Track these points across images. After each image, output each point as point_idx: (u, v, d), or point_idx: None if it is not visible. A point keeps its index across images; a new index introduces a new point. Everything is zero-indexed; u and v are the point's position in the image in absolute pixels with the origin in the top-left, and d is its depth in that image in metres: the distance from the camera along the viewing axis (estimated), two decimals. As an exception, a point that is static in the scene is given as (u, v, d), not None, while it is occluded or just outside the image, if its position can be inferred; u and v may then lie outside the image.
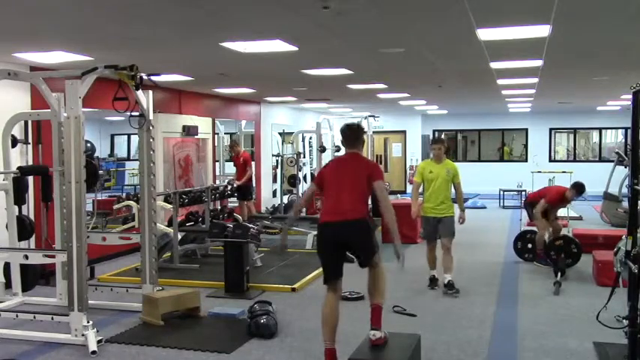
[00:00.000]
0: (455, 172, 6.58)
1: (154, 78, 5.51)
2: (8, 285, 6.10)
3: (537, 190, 8.27)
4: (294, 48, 6.16)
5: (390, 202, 4.36)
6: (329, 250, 4.21)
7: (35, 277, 6.18)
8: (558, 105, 15.54)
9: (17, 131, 6.60)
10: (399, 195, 15.51)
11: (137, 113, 5.66)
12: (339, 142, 14.94)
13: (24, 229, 6.00)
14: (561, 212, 12.42)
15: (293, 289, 6.62)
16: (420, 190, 6.81)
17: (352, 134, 4.48)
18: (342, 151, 4.65)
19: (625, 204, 10.47)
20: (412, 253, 9.03)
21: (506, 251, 8.61)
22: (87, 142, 9.52)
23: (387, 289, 4.32)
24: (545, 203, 7.60)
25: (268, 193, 13.90)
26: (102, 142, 14.69)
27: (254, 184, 11.94)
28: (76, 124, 4.81)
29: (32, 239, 6.54)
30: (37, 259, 5.48)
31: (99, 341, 4.78)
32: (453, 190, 6.68)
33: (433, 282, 6.69)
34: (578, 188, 7.60)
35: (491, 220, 12.65)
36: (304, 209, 4.80)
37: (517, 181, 14.48)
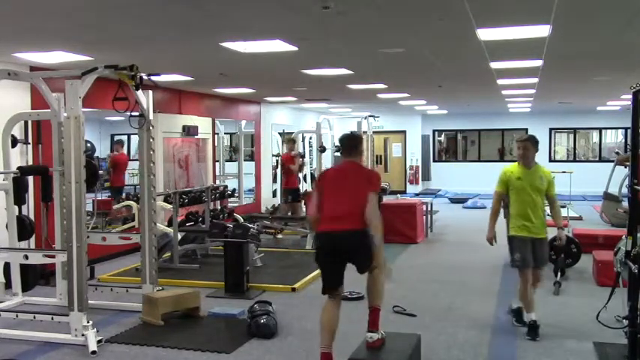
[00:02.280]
0: (550, 181, 5.10)
1: (154, 78, 5.51)
2: (8, 285, 6.09)
3: None
4: (294, 48, 6.16)
5: (378, 215, 4.16)
6: (328, 259, 4.16)
7: (35, 277, 6.17)
8: (558, 105, 15.54)
9: (17, 131, 6.61)
10: (398, 195, 15.50)
11: (137, 113, 5.66)
12: (338, 142, 14.92)
13: (24, 229, 5.99)
14: (562, 212, 12.47)
15: (293, 289, 6.62)
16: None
17: (351, 143, 4.43)
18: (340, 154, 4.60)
19: (625, 204, 10.47)
20: (412, 253, 9.05)
21: (507, 251, 8.58)
22: (87, 142, 9.54)
23: (385, 291, 4.29)
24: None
25: (268, 193, 13.90)
26: (102, 142, 14.70)
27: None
28: (76, 124, 4.81)
29: (32, 239, 6.54)
30: (37, 259, 5.48)
31: (99, 341, 4.78)
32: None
33: (534, 329, 4.95)
34: None
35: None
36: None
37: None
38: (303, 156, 11.71)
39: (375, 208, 4.11)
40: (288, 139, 11.90)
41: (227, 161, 14.05)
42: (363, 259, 4.14)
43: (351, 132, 4.62)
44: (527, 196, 5.01)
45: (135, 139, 9.68)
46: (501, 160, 19.72)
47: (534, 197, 5.00)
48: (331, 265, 4.15)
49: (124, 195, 10.54)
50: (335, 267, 4.14)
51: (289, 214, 10.91)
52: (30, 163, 6.99)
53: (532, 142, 5.06)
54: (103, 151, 14.62)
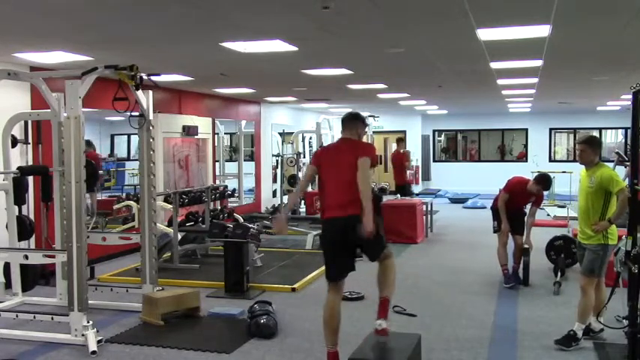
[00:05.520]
0: (600, 181, 4.61)
1: (154, 78, 5.51)
2: (8, 285, 6.10)
3: (498, 193, 7.15)
4: (294, 48, 6.16)
5: (369, 181, 4.10)
6: (334, 246, 4.11)
7: (35, 277, 6.17)
8: (558, 105, 15.54)
9: (17, 131, 6.61)
10: (398, 195, 15.47)
11: (137, 113, 5.66)
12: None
13: (24, 229, 6.00)
14: (562, 212, 12.47)
15: (293, 289, 6.62)
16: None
17: (348, 119, 4.38)
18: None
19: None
20: (411, 253, 9.05)
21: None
22: (90, 141, 9.55)
23: (395, 282, 4.22)
24: (504, 194, 6.76)
25: (268, 193, 13.90)
26: (102, 142, 14.70)
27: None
28: (76, 124, 4.81)
29: (32, 239, 6.54)
30: (37, 259, 5.48)
31: (99, 341, 4.78)
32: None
33: (583, 332, 4.76)
34: (540, 180, 6.61)
35: (491, 220, 12.64)
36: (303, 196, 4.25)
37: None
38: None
39: (364, 174, 4.01)
40: (399, 138, 12.55)
41: (227, 161, 14.05)
42: (374, 243, 4.06)
43: (353, 111, 4.54)
44: (580, 199, 4.87)
45: (135, 139, 9.69)
46: (502, 160, 19.74)
47: (583, 200, 4.77)
48: (336, 253, 4.10)
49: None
50: (340, 255, 4.08)
51: None
52: (30, 163, 6.99)
53: (588, 144, 4.80)
54: (103, 151, 14.61)
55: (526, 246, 6.73)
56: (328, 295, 4.15)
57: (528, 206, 6.88)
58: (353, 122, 4.39)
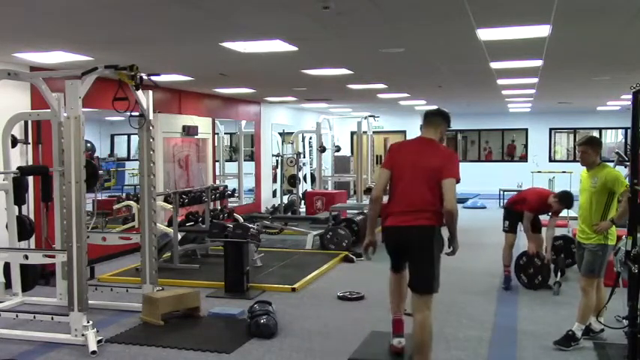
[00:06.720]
0: (604, 182, 4.62)
1: (154, 78, 5.51)
2: (8, 285, 6.10)
3: (517, 194, 7.34)
4: (294, 48, 6.16)
5: (455, 204, 3.81)
6: (394, 251, 4.10)
7: (35, 277, 6.18)
8: (558, 105, 15.54)
9: (17, 131, 6.61)
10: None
11: (137, 113, 5.66)
12: (338, 142, 14.90)
13: (24, 229, 6.00)
14: (562, 212, 12.44)
15: (293, 289, 6.61)
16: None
17: (432, 114, 4.14)
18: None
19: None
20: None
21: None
22: (87, 142, 9.55)
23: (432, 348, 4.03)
24: (528, 213, 6.58)
25: (268, 193, 13.90)
26: (102, 142, 14.72)
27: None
28: (76, 124, 4.81)
29: (32, 239, 6.54)
30: (37, 259, 5.48)
31: (99, 341, 4.78)
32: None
33: (583, 332, 4.77)
34: (562, 199, 6.44)
35: (491, 220, 12.64)
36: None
37: (517, 181, 14.51)
38: None
39: (453, 196, 3.75)
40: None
41: (227, 161, 14.06)
42: (421, 261, 3.88)
43: (437, 108, 4.31)
44: (582, 199, 4.84)
45: (135, 139, 9.69)
46: (502, 160, 19.74)
47: (585, 200, 4.77)
48: (397, 256, 4.14)
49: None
50: (401, 258, 4.12)
51: None
52: (30, 163, 6.99)
53: (589, 145, 4.80)
54: (103, 151, 14.63)
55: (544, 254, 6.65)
56: (390, 275, 4.26)
57: None
58: (437, 120, 4.12)
